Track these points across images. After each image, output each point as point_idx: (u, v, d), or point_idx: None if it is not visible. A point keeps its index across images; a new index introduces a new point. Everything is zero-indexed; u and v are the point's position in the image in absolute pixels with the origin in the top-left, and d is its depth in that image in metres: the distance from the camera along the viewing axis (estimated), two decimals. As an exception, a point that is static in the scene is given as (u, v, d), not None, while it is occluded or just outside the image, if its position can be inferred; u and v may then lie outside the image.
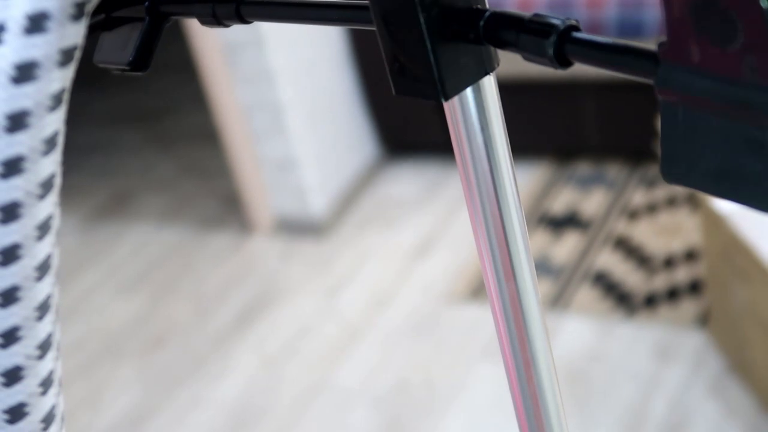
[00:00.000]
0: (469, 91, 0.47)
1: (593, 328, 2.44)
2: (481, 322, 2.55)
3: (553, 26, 0.42)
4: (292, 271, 2.96)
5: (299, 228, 3.10)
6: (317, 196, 3.06)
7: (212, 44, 2.88)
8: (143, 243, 3.26)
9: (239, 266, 3.03)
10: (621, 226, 2.78)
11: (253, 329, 2.73)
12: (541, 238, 2.82)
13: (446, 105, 0.48)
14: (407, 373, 2.44)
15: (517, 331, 0.53)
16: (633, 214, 2.82)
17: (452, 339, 2.52)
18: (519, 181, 3.02)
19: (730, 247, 2.04)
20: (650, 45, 0.39)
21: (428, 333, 2.56)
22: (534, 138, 3.14)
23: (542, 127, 3.10)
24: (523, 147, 3.19)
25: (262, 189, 3.09)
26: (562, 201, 2.96)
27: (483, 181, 0.49)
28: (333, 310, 2.74)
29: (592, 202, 2.92)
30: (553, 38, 0.42)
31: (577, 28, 0.42)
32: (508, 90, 3.00)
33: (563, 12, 2.87)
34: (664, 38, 0.38)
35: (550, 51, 0.42)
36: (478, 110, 0.48)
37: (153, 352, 2.73)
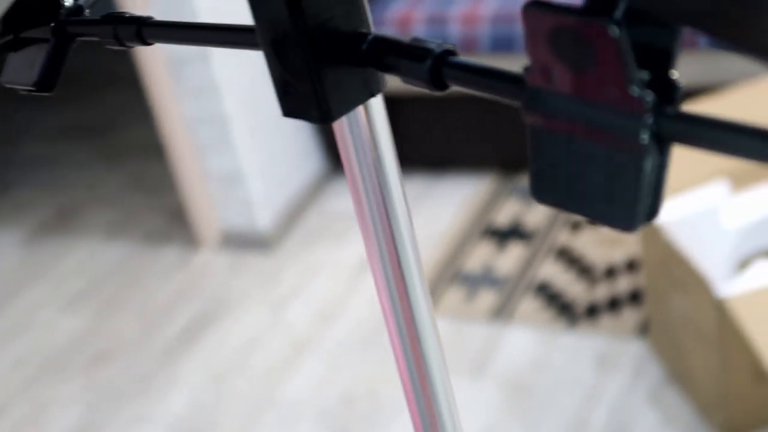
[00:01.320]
0: (356, 113, 0.48)
1: (536, 338, 2.47)
2: (426, 334, 2.56)
3: (429, 51, 0.43)
4: (239, 285, 2.95)
5: (246, 242, 3.09)
6: (264, 210, 3.06)
7: (158, 58, 2.87)
8: (89, 258, 3.24)
9: (186, 281, 3.02)
10: (564, 237, 2.81)
11: (200, 344, 2.72)
12: (486, 249, 2.84)
13: (335, 126, 0.49)
14: (354, 386, 2.45)
15: (412, 348, 0.54)
16: (575, 226, 2.85)
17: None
18: (464, 194, 3.05)
19: (668, 257, 2.07)
20: (523, 61, 0.40)
21: (374, 346, 2.57)
22: (479, 150, 3.16)
23: (487, 140, 3.13)
24: (468, 159, 3.22)
25: (209, 203, 3.08)
26: (506, 213, 2.99)
27: (373, 200, 0.50)
28: (280, 324, 2.74)
29: (536, 214, 2.94)
30: (429, 62, 0.43)
31: (453, 53, 0.43)
32: (453, 103, 3.04)
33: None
34: (529, 63, 0.39)
35: (427, 74, 0.43)
36: (365, 131, 0.49)
37: (98, 369, 2.71)
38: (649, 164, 0.37)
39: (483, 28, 2.90)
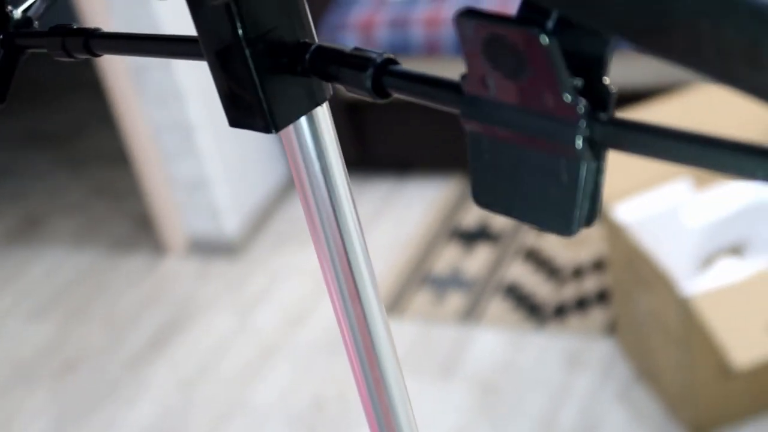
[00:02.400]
0: (302, 122, 0.49)
1: (505, 339, 2.48)
2: (396, 337, 2.56)
3: (370, 60, 0.43)
4: (207, 291, 2.94)
5: (213, 248, 3.09)
6: (230, 216, 3.05)
7: (120, 64, 2.86)
8: (54, 267, 3.21)
9: (153, 288, 3.00)
10: (531, 239, 2.82)
11: (167, 351, 2.71)
12: (453, 251, 2.85)
13: (282, 135, 0.49)
14: (323, 390, 2.45)
15: (366, 351, 0.54)
16: (542, 226, 2.86)
17: (366, 355, 2.53)
18: (431, 196, 3.06)
19: (633, 256, 2.08)
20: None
21: (343, 349, 2.56)
22: (444, 152, 3.17)
23: (452, 141, 3.13)
24: (433, 162, 3.23)
25: (175, 209, 3.07)
26: (473, 215, 3.00)
27: (323, 207, 0.51)
28: (248, 329, 2.73)
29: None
30: (370, 71, 0.43)
31: (394, 62, 0.44)
32: (417, 105, 3.04)
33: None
34: (465, 71, 0.40)
35: (368, 83, 0.43)
36: (313, 140, 0.49)
37: (65, 378, 2.69)
38: (584, 170, 0.37)
39: (446, 31, 2.91)
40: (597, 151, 0.37)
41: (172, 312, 2.87)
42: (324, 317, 2.69)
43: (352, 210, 0.52)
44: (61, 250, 3.30)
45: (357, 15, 3.02)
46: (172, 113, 2.90)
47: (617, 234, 2.13)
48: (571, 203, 0.38)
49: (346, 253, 0.52)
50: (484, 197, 0.41)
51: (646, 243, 2.02)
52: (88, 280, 3.11)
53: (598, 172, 0.38)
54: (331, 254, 0.52)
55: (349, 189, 0.51)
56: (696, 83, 2.37)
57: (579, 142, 0.37)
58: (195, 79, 2.90)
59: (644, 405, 2.17)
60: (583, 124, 0.36)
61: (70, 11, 2.83)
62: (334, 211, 0.51)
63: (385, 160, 3.26)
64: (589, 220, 0.38)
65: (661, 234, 2.03)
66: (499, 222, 2.93)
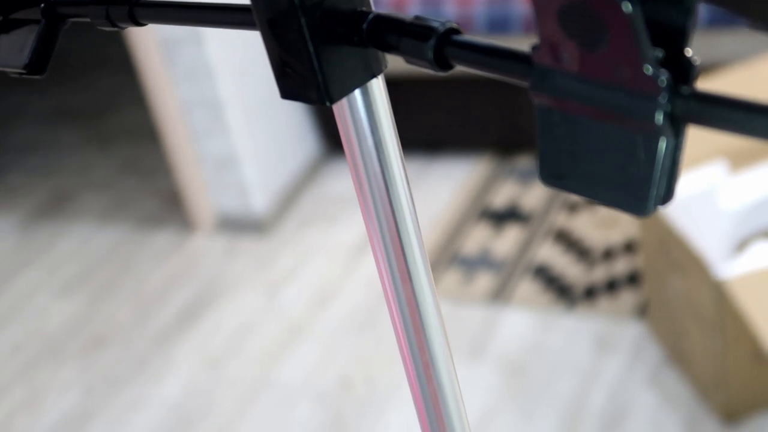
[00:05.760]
0: (356, 94, 0.47)
1: (534, 321, 2.46)
2: (423, 317, 2.54)
3: (432, 29, 0.41)
4: (235, 269, 2.94)
5: (241, 225, 3.08)
6: (259, 194, 3.04)
7: (150, 41, 2.85)
8: (83, 243, 3.22)
9: (181, 265, 3.00)
10: (561, 220, 2.80)
11: (195, 328, 2.71)
12: (483, 232, 2.83)
13: (335, 108, 0.48)
14: (350, 369, 2.44)
15: (416, 333, 0.52)
16: (573, 208, 2.84)
17: (393, 335, 2.51)
18: (460, 176, 3.03)
19: (666, 239, 2.06)
20: (519, 41, 0.39)
21: (370, 329, 2.56)
22: (475, 133, 3.14)
23: (483, 122, 3.12)
24: (464, 142, 3.20)
25: (203, 187, 3.06)
26: (503, 195, 2.97)
27: (375, 183, 0.49)
28: (276, 307, 2.72)
29: (533, 196, 2.93)
30: (432, 41, 0.41)
31: (457, 31, 0.42)
32: (448, 84, 3.02)
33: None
34: (537, 42, 0.38)
35: (430, 54, 0.41)
36: (367, 113, 0.47)
37: (94, 353, 2.70)
38: (663, 146, 0.35)
39: (478, 8, 2.88)
40: (677, 126, 0.35)
41: (199, 289, 2.87)
42: (351, 297, 2.68)
43: (405, 187, 0.50)
44: (89, 226, 3.30)
45: (388, -8, 3.00)
46: (202, 90, 2.88)
47: (650, 216, 2.10)
48: (647, 181, 0.36)
49: (398, 231, 0.50)
50: (551, 175, 0.39)
51: (680, 225, 1.99)
52: (116, 257, 3.11)
53: (677, 149, 0.36)
54: (382, 231, 0.50)
55: (403, 165, 0.49)
56: (738, 62, 2.34)
57: (659, 117, 0.35)
58: (225, 55, 2.88)
59: (674, 389, 2.15)
60: (664, 97, 0.34)
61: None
62: (386, 187, 0.49)
63: (415, 139, 3.24)
64: (665, 199, 0.36)
65: (696, 216, 2.00)
66: (529, 202, 2.90)
